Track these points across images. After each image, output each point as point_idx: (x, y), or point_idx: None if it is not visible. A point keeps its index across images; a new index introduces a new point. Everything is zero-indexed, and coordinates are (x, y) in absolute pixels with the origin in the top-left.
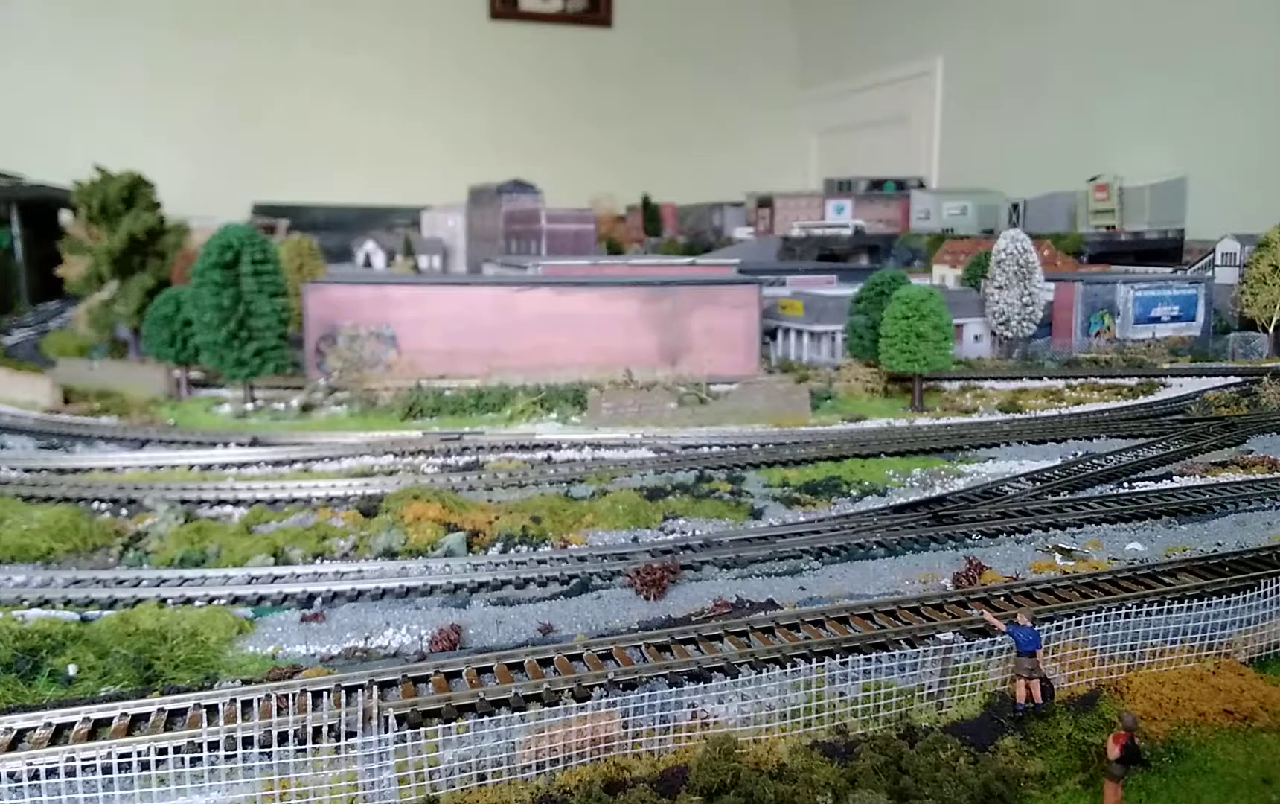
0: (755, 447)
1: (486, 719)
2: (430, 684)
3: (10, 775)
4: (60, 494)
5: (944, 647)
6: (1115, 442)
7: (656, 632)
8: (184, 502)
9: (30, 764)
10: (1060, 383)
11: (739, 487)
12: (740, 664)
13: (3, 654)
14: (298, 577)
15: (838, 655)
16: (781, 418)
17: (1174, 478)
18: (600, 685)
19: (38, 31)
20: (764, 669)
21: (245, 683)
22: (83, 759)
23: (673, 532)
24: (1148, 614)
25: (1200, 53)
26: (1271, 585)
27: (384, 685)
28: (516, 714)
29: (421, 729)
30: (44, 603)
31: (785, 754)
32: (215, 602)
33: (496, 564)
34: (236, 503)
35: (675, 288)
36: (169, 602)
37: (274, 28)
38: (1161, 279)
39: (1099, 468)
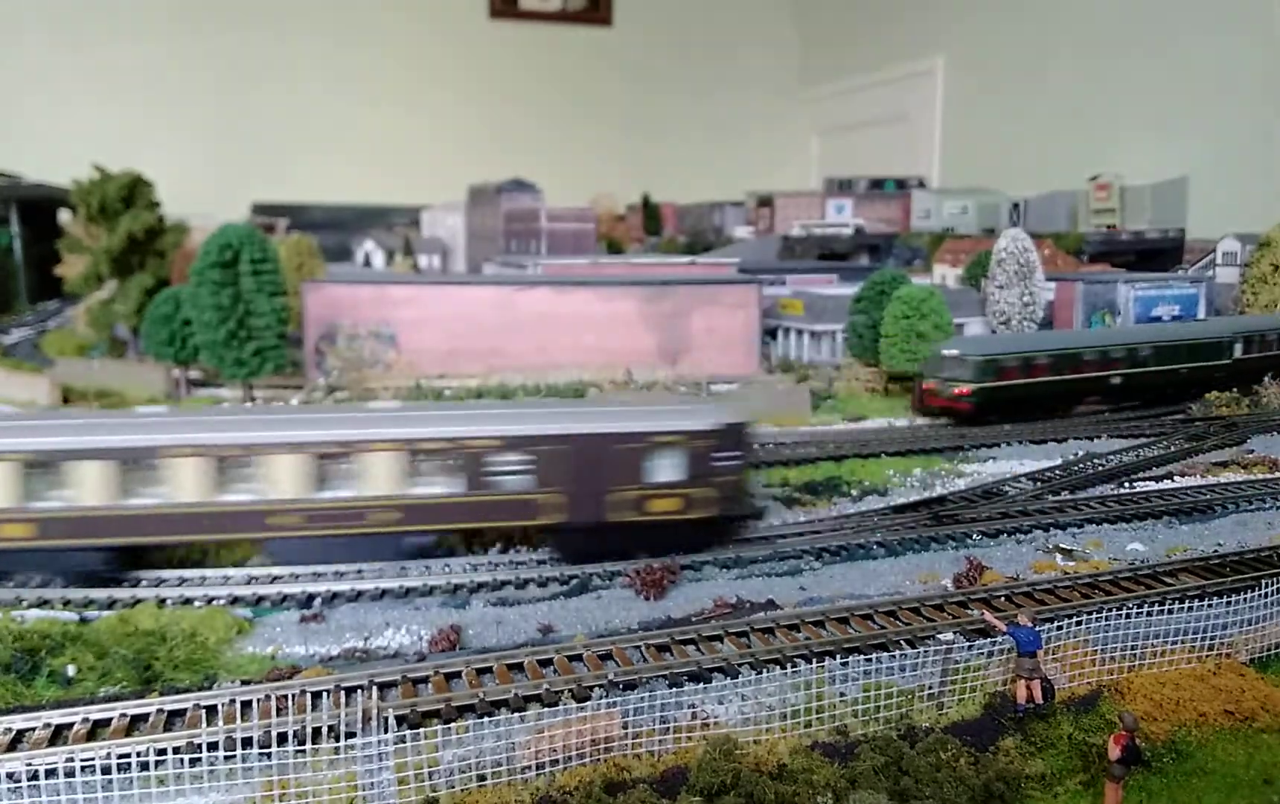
0: (755, 446)
1: (486, 720)
2: (430, 685)
3: (10, 776)
4: None
5: (944, 647)
6: (1116, 441)
7: (656, 632)
8: None
9: (30, 764)
10: None
11: None
12: (740, 664)
13: (2, 654)
14: (297, 577)
15: (838, 656)
16: (781, 418)
17: (1175, 478)
18: (600, 686)
19: (37, 30)
20: (764, 669)
21: (245, 683)
22: (82, 760)
23: None
24: (1148, 614)
25: (1200, 53)
26: (1272, 585)
27: (383, 686)
28: (516, 715)
29: (421, 730)
30: (44, 603)
31: (785, 755)
32: (214, 602)
33: (496, 564)
34: None
35: (675, 287)
36: (168, 602)
37: (274, 26)
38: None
39: (1099, 468)
